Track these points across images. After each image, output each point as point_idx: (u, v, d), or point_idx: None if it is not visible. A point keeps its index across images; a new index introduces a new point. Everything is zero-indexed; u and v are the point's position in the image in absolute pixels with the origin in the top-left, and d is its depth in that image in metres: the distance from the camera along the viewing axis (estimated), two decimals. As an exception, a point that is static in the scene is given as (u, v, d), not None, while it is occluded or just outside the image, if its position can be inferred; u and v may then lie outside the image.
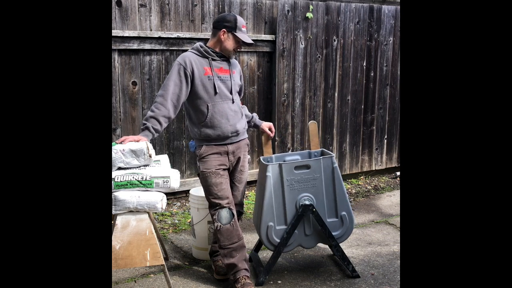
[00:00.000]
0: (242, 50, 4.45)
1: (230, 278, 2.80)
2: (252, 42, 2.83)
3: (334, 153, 5.09)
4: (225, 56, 2.83)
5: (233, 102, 2.83)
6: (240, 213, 3.02)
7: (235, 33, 2.76)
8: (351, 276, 3.03)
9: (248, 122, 3.11)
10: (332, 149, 5.14)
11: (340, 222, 3.01)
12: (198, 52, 2.79)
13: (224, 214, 2.76)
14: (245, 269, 2.79)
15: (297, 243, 2.99)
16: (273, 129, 3.15)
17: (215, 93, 2.75)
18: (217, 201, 2.77)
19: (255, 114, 3.17)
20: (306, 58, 4.82)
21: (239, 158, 2.92)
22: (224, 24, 2.75)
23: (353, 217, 3.04)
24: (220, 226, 2.75)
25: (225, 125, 2.78)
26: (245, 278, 2.75)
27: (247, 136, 3.00)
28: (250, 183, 4.79)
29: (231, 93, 2.83)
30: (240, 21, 2.78)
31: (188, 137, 4.36)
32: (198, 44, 2.82)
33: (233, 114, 2.82)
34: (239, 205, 3.01)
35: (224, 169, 2.84)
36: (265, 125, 3.13)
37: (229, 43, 2.78)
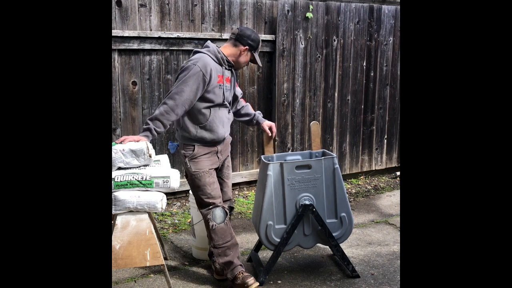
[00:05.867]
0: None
1: (228, 276, 2.82)
2: (261, 65, 3.11)
3: (334, 153, 5.08)
4: (232, 66, 2.87)
5: (229, 111, 2.90)
6: (231, 208, 3.06)
7: (254, 53, 2.85)
8: (351, 276, 3.03)
9: (251, 120, 3.13)
10: (332, 149, 5.14)
11: (340, 223, 3.01)
12: (216, 59, 2.77)
13: (219, 213, 2.79)
14: (240, 265, 2.85)
15: (296, 242, 3.00)
16: (274, 129, 3.14)
17: (223, 101, 2.79)
18: (210, 200, 2.80)
19: (258, 112, 3.18)
20: (306, 58, 4.82)
21: (226, 156, 3.00)
22: (249, 42, 2.81)
23: (353, 219, 3.04)
24: (215, 225, 2.77)
25: (221, 130, 2.82)
26: (242, 273, 2.80)
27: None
28: (250, 183, 4.79)
29: (229, 102, 2.88)
30: (260, 43, 2.90)
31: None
32: (215, 48, 2.79)
33: (227, 122, 2.89)
34: (230, 200, 3.07)
35: (214, 169, 2.89)
36: (266, 124, 3.12)
37: (245, 59, 2.86)
